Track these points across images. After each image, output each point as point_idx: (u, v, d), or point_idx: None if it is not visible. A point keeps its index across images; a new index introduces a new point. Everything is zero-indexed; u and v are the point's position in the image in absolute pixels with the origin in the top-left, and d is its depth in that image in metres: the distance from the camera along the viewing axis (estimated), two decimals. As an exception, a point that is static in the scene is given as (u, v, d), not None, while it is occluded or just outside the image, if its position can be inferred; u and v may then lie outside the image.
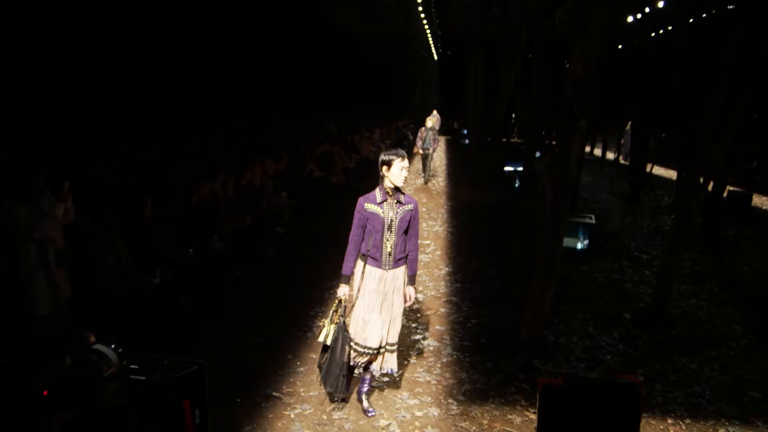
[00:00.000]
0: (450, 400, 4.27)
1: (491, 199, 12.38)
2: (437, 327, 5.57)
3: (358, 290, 3.90)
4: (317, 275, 6.89)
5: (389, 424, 3.93)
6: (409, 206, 3.88)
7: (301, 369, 4.65)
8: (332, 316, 3.88)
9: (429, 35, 28.88)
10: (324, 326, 3.87)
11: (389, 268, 3.88)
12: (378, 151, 17.31)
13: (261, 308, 5.94)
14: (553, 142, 11.51)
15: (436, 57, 39.18)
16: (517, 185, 13.31)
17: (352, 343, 3.85)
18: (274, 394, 4.25)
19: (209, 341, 5.02)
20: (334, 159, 12.17)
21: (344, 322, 3.87)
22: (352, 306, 3.93)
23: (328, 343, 3.82)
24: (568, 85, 4.47)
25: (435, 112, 22.56)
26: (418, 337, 5.32)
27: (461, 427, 3.94)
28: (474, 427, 3.93)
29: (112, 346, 2.55)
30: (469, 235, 9.24)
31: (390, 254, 3.86)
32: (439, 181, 14.98)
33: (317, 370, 4.02)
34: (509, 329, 5.37)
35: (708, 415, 4.20)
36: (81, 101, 7.42)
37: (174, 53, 8.41)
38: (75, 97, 7.30)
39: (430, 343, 5.19)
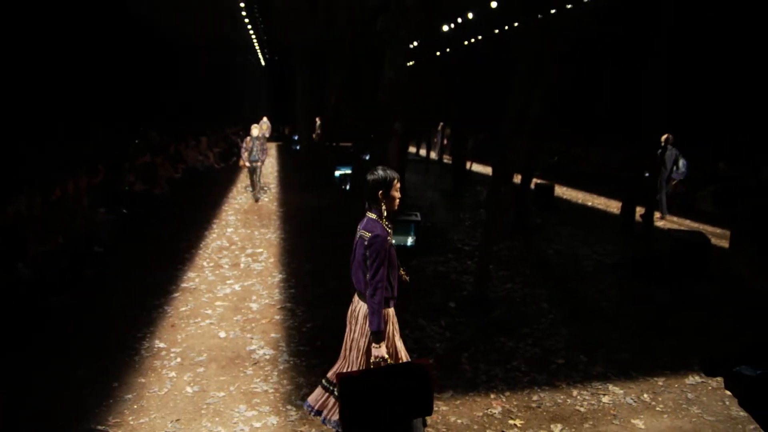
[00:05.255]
0: (288, 407, 4.26)
1: (323, 203, 12.55)
2: (272, 335, 5.52)
3: (391, 338, 3.39)
4: (144, 294, 6.49)
5: (226, 439, 3.82)
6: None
7: (129, 396, 4.35)
8: None
9: (255, 40, 28.44)
10: None
11: None
12: (206, 159, 16.75)
13: (80, 336, 5.45)
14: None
15: (263, 62, 38.69)
16: (347, 188, 13.60)
17: None
18: (100, 427, 3.93)
19: (20, 378, 4.51)
20: (157, 170, 11.53)
21: None
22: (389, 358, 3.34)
23: None
24: (381, 89, 4.69)
25: (265, 118, 22.35)
26: (253, 347, 5.23)
27: (301, 431, 3.95)
28: (313, 430, 3.96)
29: None
30: (303, 240, 9.29)
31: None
32: (271, 188, 14.83)
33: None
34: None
35: (524, 385, 4.65)
36: None
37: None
38: None
39: (266, 352, 5.13)
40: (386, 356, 3.25)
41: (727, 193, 11.85)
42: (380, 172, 3.32)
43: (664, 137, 10.41)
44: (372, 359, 3.27)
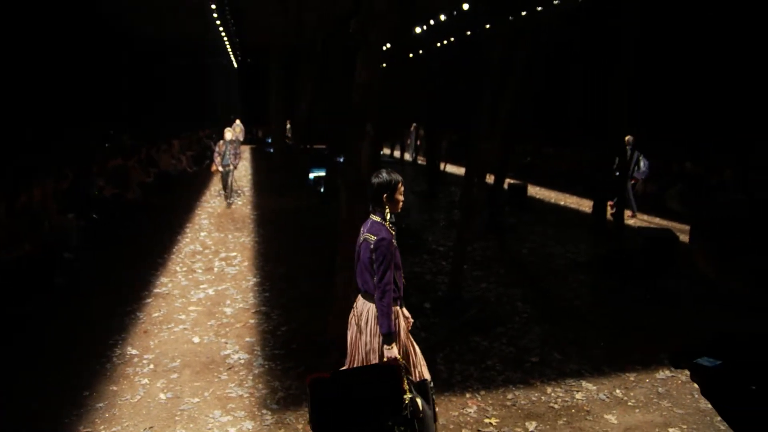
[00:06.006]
0: (264, 411, 4.23)
1: (297, 206, 12.51)
2: (247, 339, 5.48)
3: (402, 338, 3.42)
4: (115, 300, 6.38)
5: (201, 446, 3.78)
6: None
7: (100, 405, 4.27)
8: (409, 386, 3.23)
9: (227, 42, 28.23)
10: (414, 400, 3.18)
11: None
12: (178, 163, 16.56)
13: (49, 344, 5.34)
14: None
15: (236, 64, 38.41)
16: (322, 190, 13.56)
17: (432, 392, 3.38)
18: (70, 436, 3.87)
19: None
20: (128, 174, 11.35)
21: (412, 381, 3.32)
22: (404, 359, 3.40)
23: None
24: (354, 91, 4.69)
25: (238, 121, 22.14)
26: (228, 351, 5.18)
27: (276, 435, 3.93)
28: (289, 434, 3.95)
29: None
30: (277, 243, 9.24)
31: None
32: (245, 191, 14.73)
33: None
34: (319, 332, 5.46)
35: (499, 384, 4.69)
36: None
37: None
38: None
39: (240, 357, 5.09)
40: (398, 356, 3.27)
41: (694, 191, 12.13)
42: (384, 175, 3.33)
43: (626, 138, 10.58)
44: (384, 360, 3.29)
